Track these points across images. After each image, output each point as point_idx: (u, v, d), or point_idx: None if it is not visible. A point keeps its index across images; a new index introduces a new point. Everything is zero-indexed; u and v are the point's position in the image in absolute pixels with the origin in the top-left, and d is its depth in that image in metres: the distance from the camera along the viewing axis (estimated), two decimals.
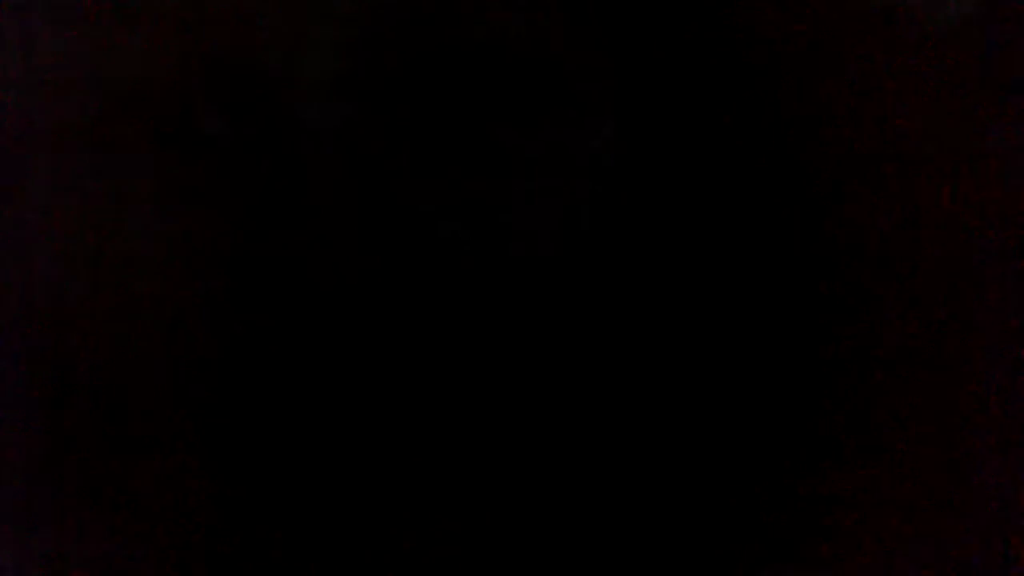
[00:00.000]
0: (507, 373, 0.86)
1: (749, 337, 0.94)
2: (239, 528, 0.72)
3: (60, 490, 0.73)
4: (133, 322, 0.69)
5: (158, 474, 0.73)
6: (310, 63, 0.68)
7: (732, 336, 0.94)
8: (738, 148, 0.95)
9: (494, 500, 0.80)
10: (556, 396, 0.87)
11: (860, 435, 0.88)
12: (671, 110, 0.95)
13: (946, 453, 0.87)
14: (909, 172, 0.95)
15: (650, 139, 0.95)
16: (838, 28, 0.95)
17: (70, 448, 0.75)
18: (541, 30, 0.82)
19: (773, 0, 0.94)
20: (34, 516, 0.72)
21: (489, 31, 0.77)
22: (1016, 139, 0.94)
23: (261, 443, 0.72)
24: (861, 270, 0.95)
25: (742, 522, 0.82)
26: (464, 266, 0.78)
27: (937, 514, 0.81)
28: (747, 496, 0.83)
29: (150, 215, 0.67)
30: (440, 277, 0.79)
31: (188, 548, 0.71)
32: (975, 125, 0.95)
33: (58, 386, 0.73)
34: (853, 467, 0.87)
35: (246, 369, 0.70)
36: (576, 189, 0.95)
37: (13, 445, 0.75)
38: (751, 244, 0.95)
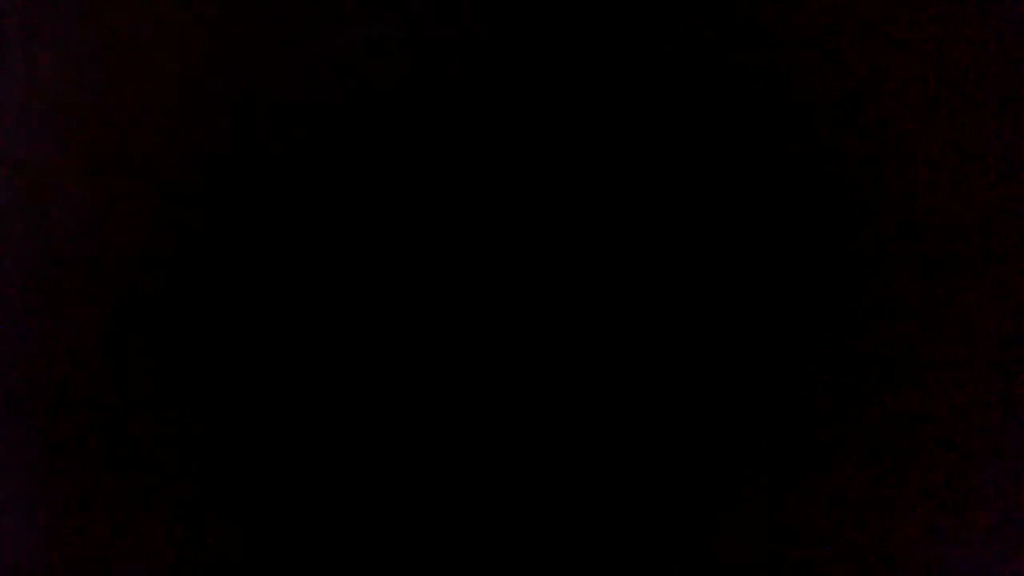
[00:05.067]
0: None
1: (750, 338, 0.94)
2: (238, 528, 0.72)
3: (60, 490, 0.73)
4: (132, 322, 0.69)
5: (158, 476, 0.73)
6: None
7: (733, 337, 0.94)
8: (736, 148, 0.95)
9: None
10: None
11: (858, 436, 0.88)
12: (672, 107, 0.95)
13: (945, 454, 0.87)
14: (909, 172, 0.95)
15: (648, 138, 0.95)
16: (837, 27, 0.95)
17: (70, 449, 0.75)
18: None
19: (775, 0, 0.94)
20: (34, 516, 0.72)
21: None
22: (1016, 139, 0.94)
23: (261, 443, 0.72)
24: (861, 270, 0.95)
25: (734, 523, 0.82)
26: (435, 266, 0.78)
27: (937, 515, 0.81)
28: (740, 499, 0.83)
29: (151, 220, 0.67)
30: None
31: (188, 548, 0.71)
32: (975, 125, 0.95)
33: (57, 386, 0.73)
34: (852, 469, 0.87)
35: (247, 370, 0.70)
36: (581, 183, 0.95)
37: (12, 445, 0.75)
38: (751, 245, 0.95)
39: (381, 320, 0.77)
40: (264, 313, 0.69)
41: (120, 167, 0.66)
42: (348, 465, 0.75)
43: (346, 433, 0.74)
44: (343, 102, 0.69)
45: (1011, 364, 0.94)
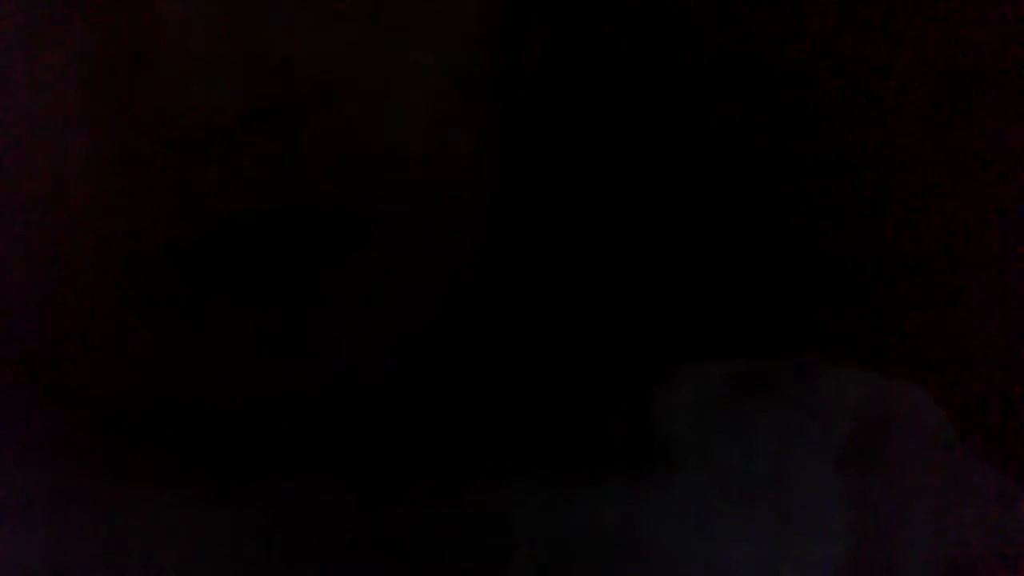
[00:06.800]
0: None
1: (743, 340, 0.94)
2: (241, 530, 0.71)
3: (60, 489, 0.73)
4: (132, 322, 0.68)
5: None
6: None
7: (728, 335, 0.94)
8: (733, 146, 0.95)
9: None
10: None
11: None
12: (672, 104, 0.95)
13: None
14: (909, 172, 0.95)
15: (650, 137, 0.95)
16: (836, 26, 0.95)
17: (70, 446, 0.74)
18: None
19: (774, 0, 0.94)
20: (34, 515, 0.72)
21: None
22: (1016, 139, 0.94)
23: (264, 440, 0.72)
24: (860, 269, 0.95)
25: None
26: None
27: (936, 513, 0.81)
28: None
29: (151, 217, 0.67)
30: None
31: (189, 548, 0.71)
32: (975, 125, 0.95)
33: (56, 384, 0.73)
34: None
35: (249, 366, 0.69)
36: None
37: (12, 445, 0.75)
38: (750, 243, 0.95)
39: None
40: (265, 314, 0.68)
41: (122, 165, 0.66)
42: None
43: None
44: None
45: (1011, 364, 0.94)
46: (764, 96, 0.94)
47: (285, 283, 0.65)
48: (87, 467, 0.71)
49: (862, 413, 0.78)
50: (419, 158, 0.67)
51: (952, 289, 0.95)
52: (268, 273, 0.65)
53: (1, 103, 0.65)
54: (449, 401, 0.77)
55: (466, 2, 0.69)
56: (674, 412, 0.77)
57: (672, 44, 0.94)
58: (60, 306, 0.67)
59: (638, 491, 0.73)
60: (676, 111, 0.94)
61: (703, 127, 0.94)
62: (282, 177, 0.64)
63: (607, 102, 0.94)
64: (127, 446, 0.71)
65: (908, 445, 0.79)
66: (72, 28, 0.65)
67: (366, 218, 0.66)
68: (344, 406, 0.69)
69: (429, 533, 0.70)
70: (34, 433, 0.73)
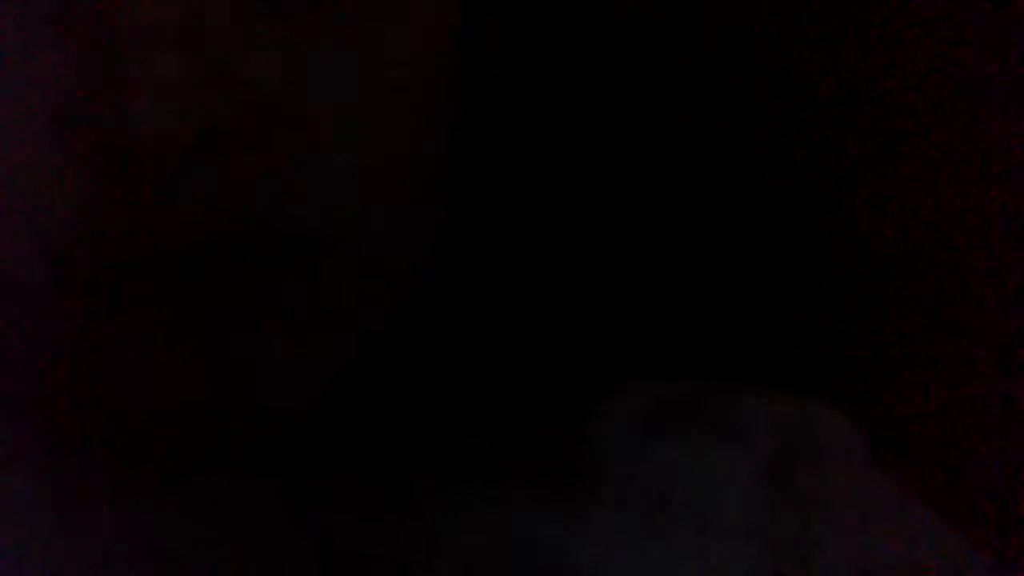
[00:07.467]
0: None
1: (740, 344, 0.94)
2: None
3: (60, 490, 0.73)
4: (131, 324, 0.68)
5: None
6: None
7: (726, 345, 0.94)
8: (732, 146, 0.95)
9: None
10: None
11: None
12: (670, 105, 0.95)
13: (945, 454, 0.87)
14: (909, 172, 0.95)
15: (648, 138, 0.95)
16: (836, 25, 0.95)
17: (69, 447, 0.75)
18: None
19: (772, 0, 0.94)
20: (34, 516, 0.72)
21: None
22: (1016, 139, 0.94)
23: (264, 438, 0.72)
24: (860, 270, 0.95)
25: None
26: None
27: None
28: None
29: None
30: None
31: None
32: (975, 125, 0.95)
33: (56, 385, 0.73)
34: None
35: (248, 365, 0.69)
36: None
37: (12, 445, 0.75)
38: (748, 244, 0.95)
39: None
40: (266, 314, 0.68)
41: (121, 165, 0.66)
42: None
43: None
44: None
45: (1011, 364, 0.94)
46: (739, 99, 0.94)
47: (226, 297, 0.66)
48: (85, 469, 0.72)
49: (783, 433, 0.81)
50: (370, 174, 0.68)
51: (950, 290, 0.95)
52: (210, 287, 0.66)
53: None
54: (384, 413, 0.79)
55: (423, 20, 0.70)
56: (607, 430, 0.80)
57: (638, 46, 0.94)
58: (25, 310, 0.68)
59: (568, 507, 0.75)
60: (629, 130, 0.94)
61: (659, 139, 0.94)
62: (229, 194, 0.65)
63: (561, 120, 0.94)
64: (90, 451, 0.72)
65: (826, 463, 0.81)
66: (42, 39, 0.65)
67: (314, 234, 0.67)
68: (279, 417, 0.70)
69: (356, 540, 0.72)
70: (32, 435, 0.74)
